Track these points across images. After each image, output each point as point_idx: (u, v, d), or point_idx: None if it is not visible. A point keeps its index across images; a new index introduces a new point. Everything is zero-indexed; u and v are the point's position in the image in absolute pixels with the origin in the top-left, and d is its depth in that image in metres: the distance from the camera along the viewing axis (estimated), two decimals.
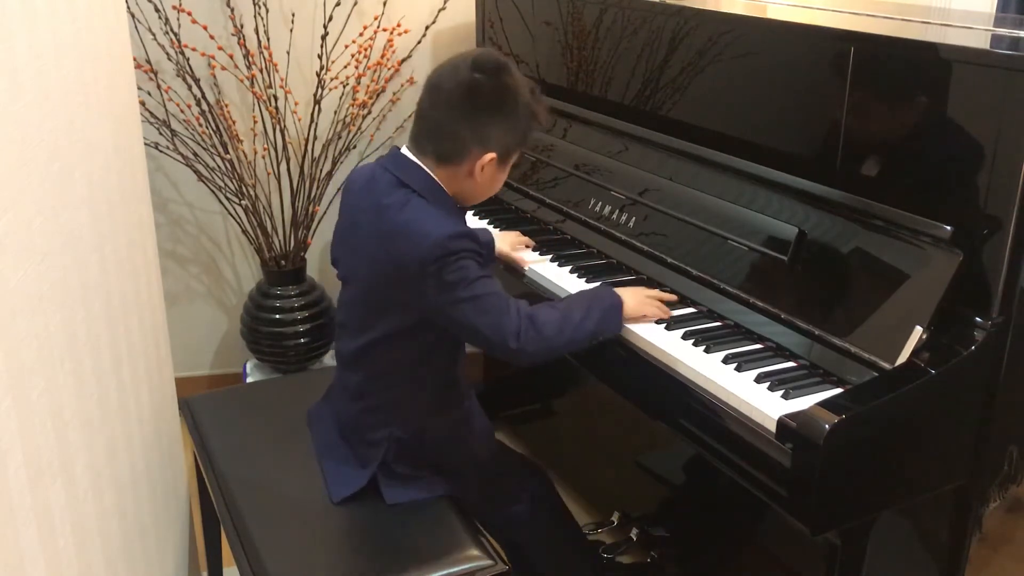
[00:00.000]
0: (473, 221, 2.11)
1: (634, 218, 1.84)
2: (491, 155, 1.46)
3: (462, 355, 1.59)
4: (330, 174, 2.64)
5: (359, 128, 2.65)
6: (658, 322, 1.57)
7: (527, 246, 1.94)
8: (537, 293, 1.82)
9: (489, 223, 2.10)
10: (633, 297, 1.58)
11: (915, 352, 1.30)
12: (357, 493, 1.54)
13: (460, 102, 1.44)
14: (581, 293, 1.61)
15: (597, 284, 1.73)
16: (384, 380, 1.55)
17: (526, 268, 1.88)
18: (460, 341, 1.54)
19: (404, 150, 1.50)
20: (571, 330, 1.49)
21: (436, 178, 1.47)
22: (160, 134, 2.50)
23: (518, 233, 1.98)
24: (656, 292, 1.64)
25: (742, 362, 1.43)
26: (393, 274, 1.44)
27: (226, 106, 2.55)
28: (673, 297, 1.64)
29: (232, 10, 2.49)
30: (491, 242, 1.88)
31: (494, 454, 1.71)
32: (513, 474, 1.72)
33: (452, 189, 1.49)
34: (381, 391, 1.55)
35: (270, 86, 2.52)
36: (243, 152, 2.59)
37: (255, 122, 2.61)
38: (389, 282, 1.46)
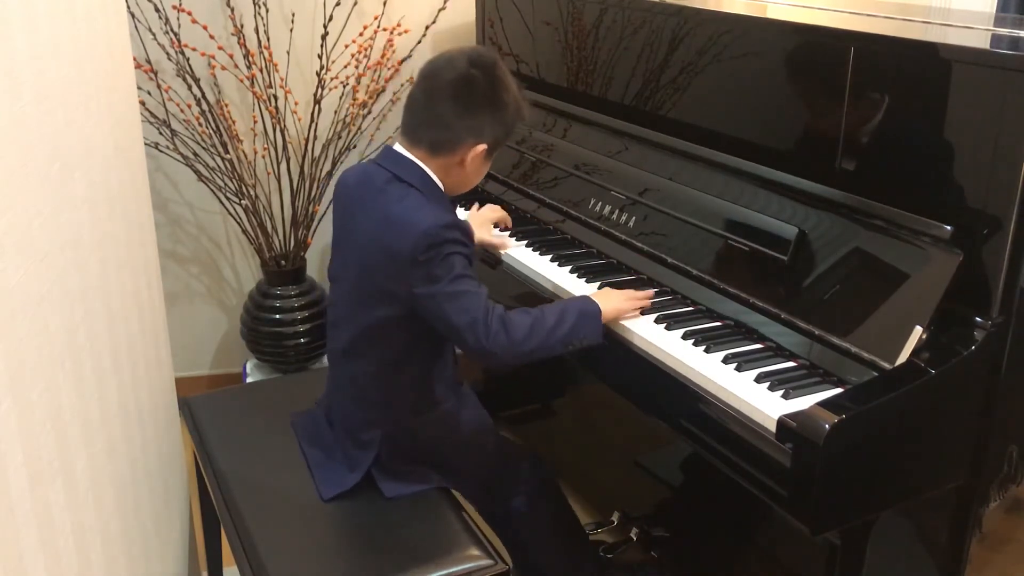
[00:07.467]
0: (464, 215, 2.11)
1: (634, 218, 1.84)
2: (483, 146, 1.54)
3: (448, 351, 1.62)
4: (330, 174, 2.64)
5: (359, 128, 2.65)
6: (657, 321, 1.57)
7: (501, 223, 2.00)
8: (537, 293, 1.82)
9: None
10: (609, 302, 1.59)
11: (915, 352, 1.29)
12: (357, 491, 1.56)
13: (457, 96, 1.52)
14: (559, 301, 1.63)
15: (596, 284, 1.73)
16: (373, 376, 1.57)
17: (503, 253, 1.92)
18: (444, 338, 1.57)
19: (397, 147, 1.56)
20: (542, 335, 1.50)
21: (428, 170, 1.54)
22: (160, 134, 2.50)
23: (489, 207, 2.03)
24: (639, 293, 1.64)
25: (742, 362, 1.43)
26: (384, 262, 1.49)
27: (226, 106, 2.55)
28: (650, 292, 1.65)
29: (232, 10, 2.49)
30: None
31: (492, 449, 1.72)
32: (513, 467, 1.73)
33: (442, 179, 1.55)
34: (371, 387, 1.58)
35: (270, 86, 2.52)
36: (243, 152, 2.59)
37: (255, 122, 2.61)
38: (380, 271, 1.50)
